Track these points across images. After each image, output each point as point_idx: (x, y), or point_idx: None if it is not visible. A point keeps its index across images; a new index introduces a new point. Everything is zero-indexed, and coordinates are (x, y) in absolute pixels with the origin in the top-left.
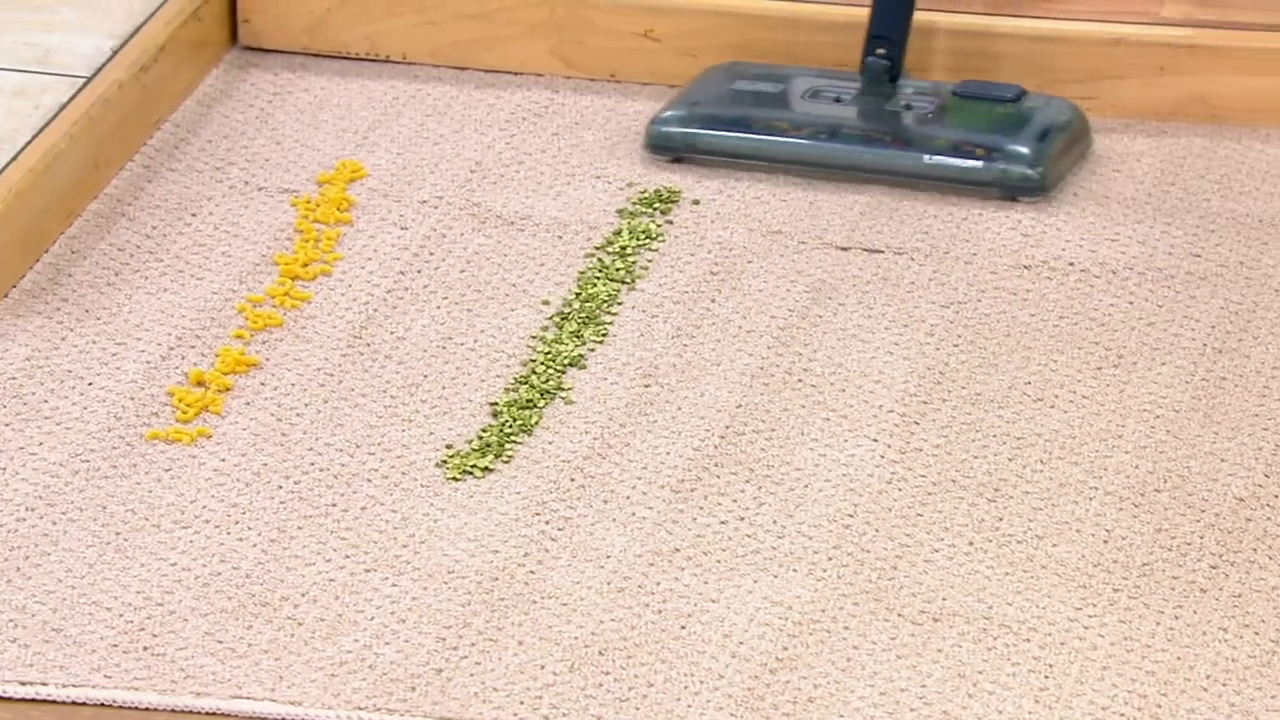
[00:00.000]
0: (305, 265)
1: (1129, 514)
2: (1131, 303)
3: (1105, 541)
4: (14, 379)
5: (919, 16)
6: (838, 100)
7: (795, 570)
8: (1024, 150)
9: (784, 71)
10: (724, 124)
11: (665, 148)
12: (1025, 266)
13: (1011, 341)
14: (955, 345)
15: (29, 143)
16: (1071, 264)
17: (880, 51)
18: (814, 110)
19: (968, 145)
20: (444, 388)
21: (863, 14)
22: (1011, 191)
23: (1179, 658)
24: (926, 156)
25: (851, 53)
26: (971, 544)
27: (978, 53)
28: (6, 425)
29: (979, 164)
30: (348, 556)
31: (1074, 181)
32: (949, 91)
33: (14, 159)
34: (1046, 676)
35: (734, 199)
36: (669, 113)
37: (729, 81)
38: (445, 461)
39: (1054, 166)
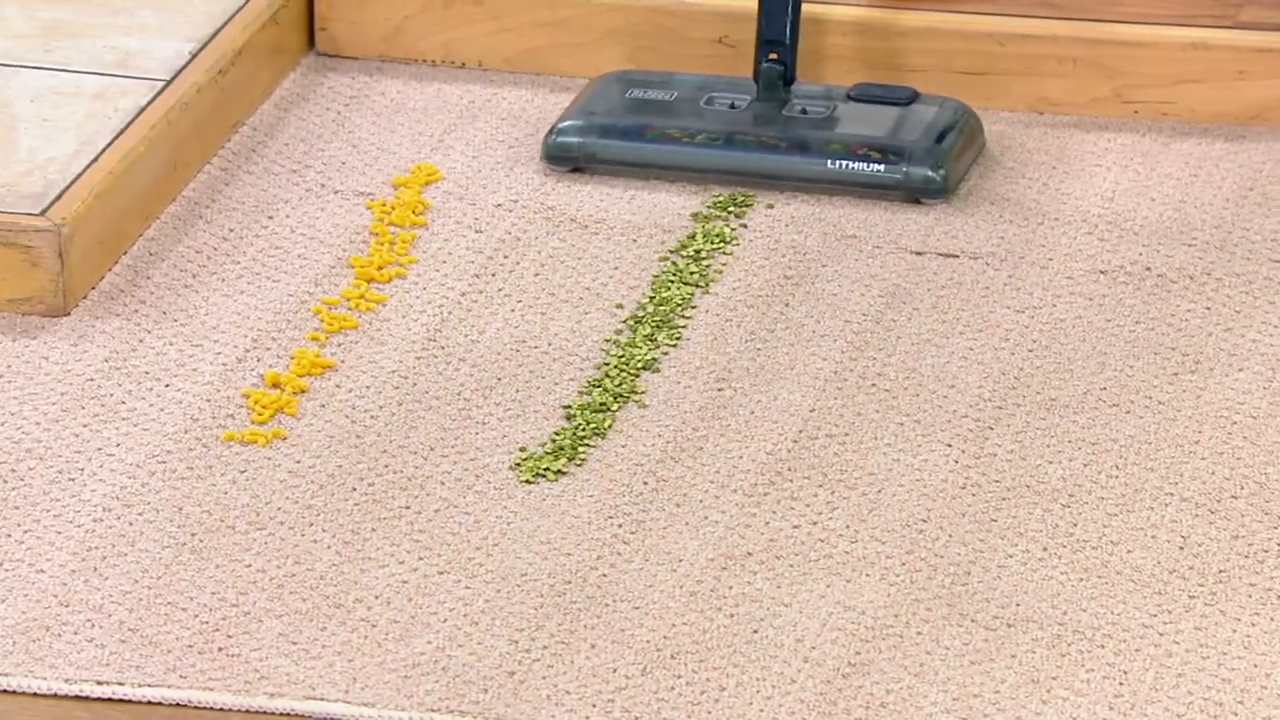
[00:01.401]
0: (380, 268)
1: (1205, 520)
2: (1209, 308)
3: (1181, 548)
4: (92, 380)
5: (1025, 23)
6: (733, 107)
7: (868, 575)
8: (924, 152)
9: (676, 79)
10: (622, 133)
11: (564, 158)
12: (1101, 271)
13: (1087, 347)
14: (1030, 350)
15: (108, 145)
16: (1148, 269)
17: (773, 57)
18: (712, 117)
19: (866, 149)
20: (518, 391)
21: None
22: (915, 194)
23: (1255, 665)
24: (829, 161)
25: (948, 59)
26: (1046, 550)
27: (1050, 57)
28: (85, 426)
29: (881, 168)
30: (421, 559)
31: (1152, 187)
32: (843, 95)
33: (94, 161)
34: (1121, 683)
35: (808, 203)
36: (566, 123)
37: (623, 90)
38: (519, 464)
39: (954, 167)
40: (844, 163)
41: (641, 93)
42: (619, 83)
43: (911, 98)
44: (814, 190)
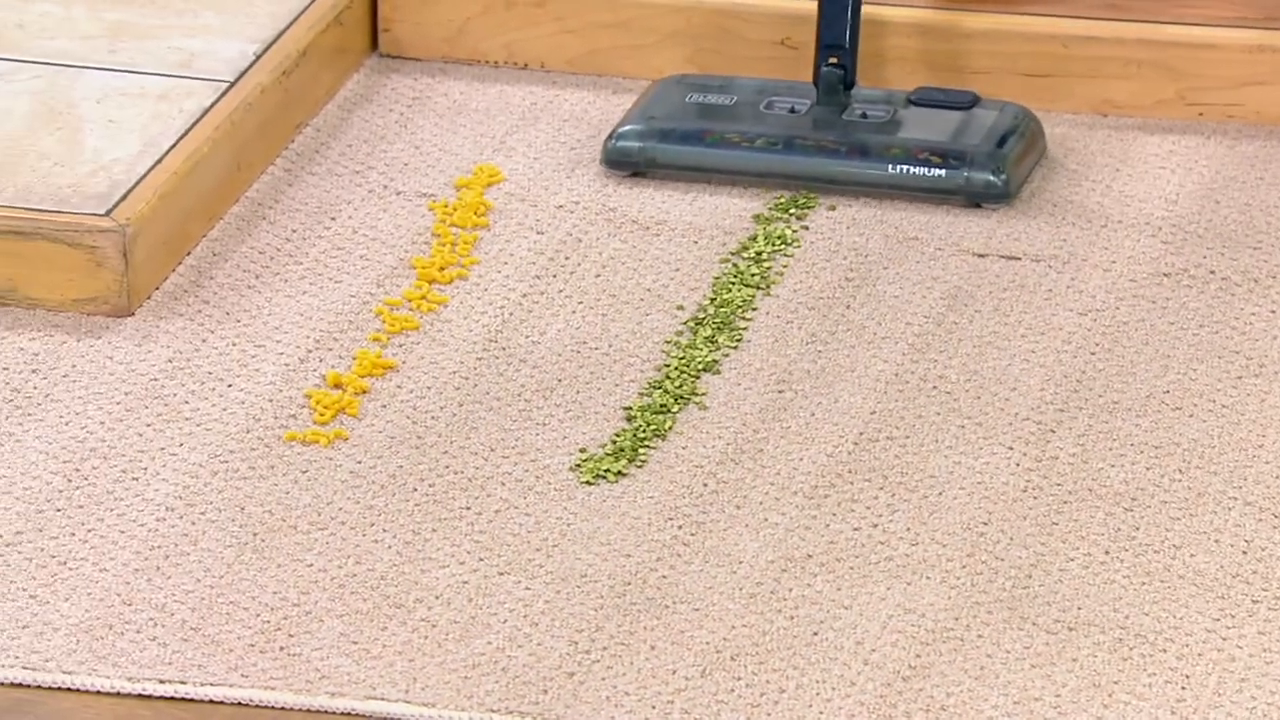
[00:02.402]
0: (442, 269)
1: (1269, 524)
2: (1274, 311)
3: (1244, 552)
4: (156, 380)
5: (1089, 25)
6: (793, 111)
7: (928, 578)
8: (985, 157)
9: (735, 83)
10: (682, 138)
11: (623, 163)
12: (1165, 274)
13: (1150, 350)
14: (1092, 353)
15: (173, 146)
16: (1212, 272)
17: (833, 61)
18: (771, 122)
19: (927, 154)
20: (578, 392)
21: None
22: (976, 199)
23: None
24: (891, 166)
25: (1011, 61)
26: (1107, 553)
27: (1114, 59)
28: (148, 426)
29: (942, 173)
30: (481, 559)
31: (1217, 190)
32: (904, 99)
33: (158, 162)
34: (1183, 688)
35: (870, 205)
36: (626, 128)
37: (683, 94)
38: (579, 465)
39: (1015, 172)
40: (905, 167)
41: (701, 97)
42: (679, 86)
43: (973, 102)
44: (876, 193)
